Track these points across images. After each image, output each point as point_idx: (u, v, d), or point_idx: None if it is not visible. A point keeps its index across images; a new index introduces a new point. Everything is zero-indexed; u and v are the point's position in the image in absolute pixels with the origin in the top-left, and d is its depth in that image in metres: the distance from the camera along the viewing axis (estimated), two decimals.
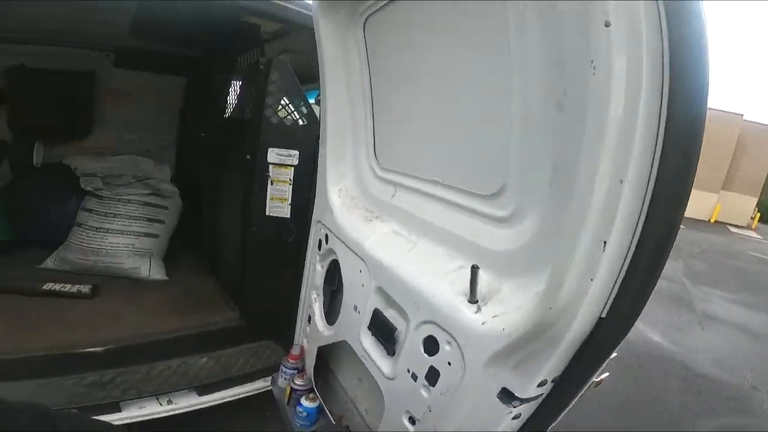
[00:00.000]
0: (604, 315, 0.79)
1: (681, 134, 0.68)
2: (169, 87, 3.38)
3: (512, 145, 0.98)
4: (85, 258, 2.57)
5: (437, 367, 1.07)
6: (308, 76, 1.98)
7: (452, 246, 1.17)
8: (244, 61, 2.47)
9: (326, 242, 1.79)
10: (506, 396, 0.89)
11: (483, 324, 0.92)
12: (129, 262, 2.63)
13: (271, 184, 1.93)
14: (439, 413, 1.06)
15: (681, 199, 0.71)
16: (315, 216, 1.91)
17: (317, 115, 1.89)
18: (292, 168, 1.92)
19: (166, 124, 3.51)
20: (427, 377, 1.09)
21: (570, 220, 0.76)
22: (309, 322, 1.86)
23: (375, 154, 1.71)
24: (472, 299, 0.99)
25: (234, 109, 2.55)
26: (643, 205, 0.71)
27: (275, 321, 2.15)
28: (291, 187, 1.95)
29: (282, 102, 1.92)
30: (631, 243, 0.74)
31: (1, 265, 2.48)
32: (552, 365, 0.83)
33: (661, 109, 0.68)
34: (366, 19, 1.56)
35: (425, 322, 1.09)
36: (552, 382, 0.86)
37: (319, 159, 1.86)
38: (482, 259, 1.05)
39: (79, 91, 3.07)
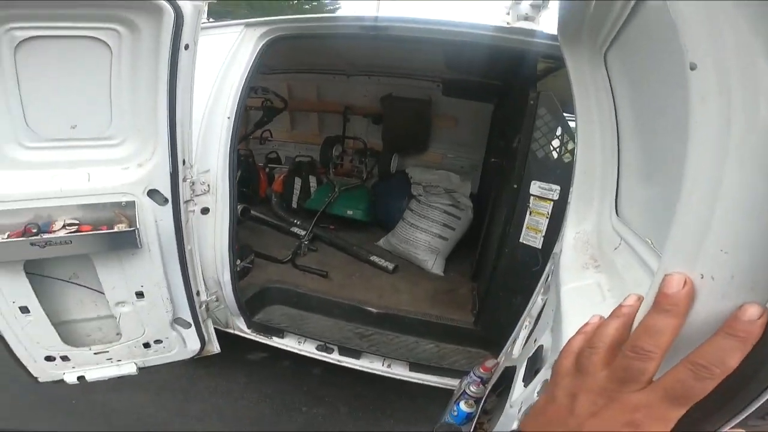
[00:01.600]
0: None
1: None
2: (482, 113, 3.93)
3: None
4: (399, 244, 3.53)
5: None
6: None
7: None
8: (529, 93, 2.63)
9: (551, 277, 1.81)
10: None
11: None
12: (422, 255, 3.41)
13: (530, 214, 2.08)
14: None
15: None
16: (554, 250, 1.93)
17: None
18: (552, 203, 2.01)
19: (477, 146, 4.11)
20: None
21: None
22: (513, 344, 1.95)
23: (616, 201, 1.57)
24: None
25: (516, 139, 2.78)
26: None
27: (499, 337, 2.30)
28: (547, 220, 2.04)
29: (548, 137, 2.01)
30: None
31: (358, 237, 3.81)
32: None
33: None
34: (605, 53, 1.45)
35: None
36: None
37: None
38: None
39: (422, 115, 4.11)
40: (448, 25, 1.91)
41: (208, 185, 1.99)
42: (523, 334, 1.87)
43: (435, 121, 4.20)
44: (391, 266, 3.29)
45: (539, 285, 1.93)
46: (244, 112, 4.42)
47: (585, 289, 1.30)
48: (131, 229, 1.65)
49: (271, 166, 4.64)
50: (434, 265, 3.38)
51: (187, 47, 1.50)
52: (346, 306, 2.79)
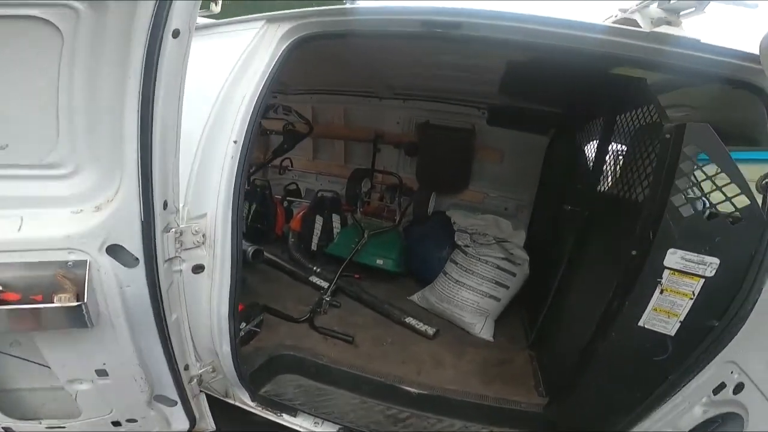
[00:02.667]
0: None
1: None
2: (533, 147, 3.39)
3: None
4: (440, 303, 2.90)
5: None
6: None
7: None
8: (626, 122, 2.05)
9: (734, 391, 1.27)
10: None
11: None
12: (469, 317, 2.78)
13: (661, 292, 1.48)
14: None
15: None
16: (727, 355, 1.36)
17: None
18: (702, 280, 1.40)
19: (525, 185, 3.55)
20: None
21: None
22: None
23: None
24: None
25: (612, 184, 2.15)
26: None
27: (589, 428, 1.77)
28: (691, 302, 1.44)
29: (701, 187, 1.41)
30: None
31: (387, 289, 3.19)
32: None
33: None
34: None
35: None
36: None
37: None
38: None
39: (463, 147, 3.57)
40: (553, 26, 1.35)
41: (203, 235, 1.43)
42: None
43: (478, 154, 3.66)
44: (431, 331, 2.66)
45: (691, 390, 1.45)
46: (261, 135, 4.07)
47: None
48: (76, 304, 1.10)
49: (290, 199, 4.12)
50: (483, 329, 2.75)
51: (176, 34, 0.98)
52: (378, 383, 2.22)
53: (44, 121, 1.01)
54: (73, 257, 1.12)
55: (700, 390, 1.40)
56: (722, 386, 1.30)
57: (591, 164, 2.38)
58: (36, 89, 0.99)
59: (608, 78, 1.99)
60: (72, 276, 1.14)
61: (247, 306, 2.28)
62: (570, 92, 2.53)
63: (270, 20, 1.56)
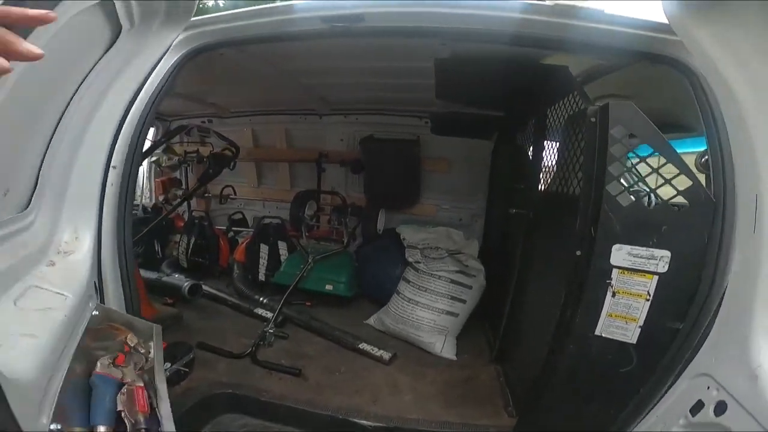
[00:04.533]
0: None
1: None
2: (479, 153, 3.34)
3: None
4: (396, 324, 2.72)
5: None
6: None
7: None
8: (555, 115, 1.99)
9: (715, 412, 1.07)
10: None
11: None
12: (427, 337, 2.61)
13: (613, 295, 1.34)
14: None
15: None
16: (699, 366, 1.20)
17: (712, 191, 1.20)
18: (656, 277, 1.28)
19: (476, 193, 3.48)
20: None
21: None
22: None
23: None
24: None
25: (551, 182, 2.04)
26: None
27: None
28: (648, 303, 1.31)
29: (637, 172, 1.32)
30: None
31: (341, 314, 2.99)
32: None
33: None
34: None
35: None
36: None
37: (733, 274, 1.14)
38: None
39: (409, 158, 3.48)
40: (448, 6, 1.27)
41: None
42: None
43: (425, 165, 3.58)
44: (387, 356, 2.46)
45: (663, 409, 1.29)
46: (198, 163, 3.79)
47: None
48: None
49: (236, 229, 3.87)
50: (444, 348, 2.58)
51: None
52: (327, 418, 1.99)
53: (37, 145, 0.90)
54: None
55: (675, 409, 1.22)
56: (700, 405, 1.12)
57: (531, 164, 2.33)
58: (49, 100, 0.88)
59: (539, 70, 1.94)
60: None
61: (171, 344, 2.01)
62: (505, 90, 2.48)
63: None
